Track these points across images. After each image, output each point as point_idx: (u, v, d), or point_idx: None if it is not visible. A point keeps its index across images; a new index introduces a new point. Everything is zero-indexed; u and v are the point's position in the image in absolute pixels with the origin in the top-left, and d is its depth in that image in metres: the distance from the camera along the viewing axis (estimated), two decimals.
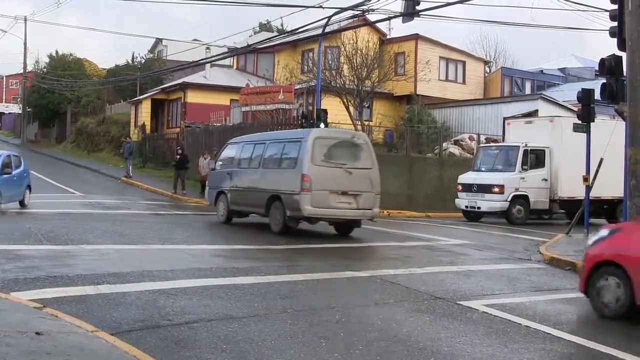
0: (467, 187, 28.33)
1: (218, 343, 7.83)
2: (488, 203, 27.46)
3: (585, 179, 21.59)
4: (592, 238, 11.61)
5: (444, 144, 35.56)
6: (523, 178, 27.31)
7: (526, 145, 27.41)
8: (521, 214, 27.35)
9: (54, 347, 6.89)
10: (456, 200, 28.92)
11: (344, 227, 19.67)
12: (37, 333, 7.22)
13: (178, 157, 33.18)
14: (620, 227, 12.02)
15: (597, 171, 21.58)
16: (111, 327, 8.14)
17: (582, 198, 27.11)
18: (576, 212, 28.56)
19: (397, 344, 8.25)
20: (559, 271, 15.25)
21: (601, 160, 21.20)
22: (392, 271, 13.60)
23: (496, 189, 27.19)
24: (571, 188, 27.37)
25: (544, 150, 27.70)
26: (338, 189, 18.12)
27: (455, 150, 36.35)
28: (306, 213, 17.89)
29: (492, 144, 33.23)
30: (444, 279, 13.06)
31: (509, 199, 27.09)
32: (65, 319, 8.13)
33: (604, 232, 11.28)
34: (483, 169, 28.73)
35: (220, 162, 22.50)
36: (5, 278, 10.61)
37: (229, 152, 22.44)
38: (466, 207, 28.39)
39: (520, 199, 27.40)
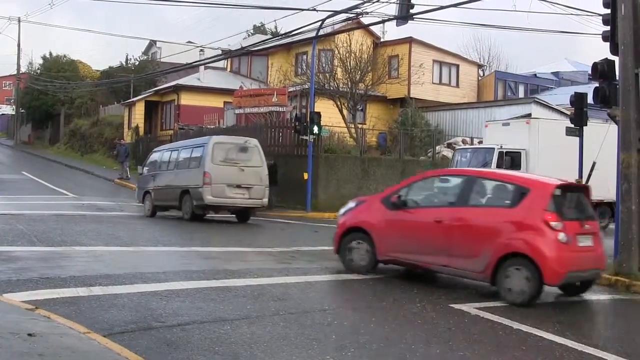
0: None
1: (210, 345, 7.84)
2: None
3: (578, 183, 21.63)
4: (343, 209, 14.53)
5: (437, 147, 35.57)
6: None
7: (501, 147, 26.96)
8: None
9: (46, 348, 6.88)
10: None
11: (242, 215, 23.98)
12: (30, 334, 7.22)
13: None
14: (364, 200, 14.67)
15: (589, 175, 21.64)
16: (103, 328, 8.14)
17: None
18: None
19: (389, 347, 8.27)
20: None
21: (594, 164, 21.25)
22: (384, 274, 13.63)
23: None
24: None
25: (519, 153, 27.18)
26: (233, 182, 22.42)
27: (449, 153, 36.30)
28: (207, 202, 22.16)
29: (467, 146, 33.06)
30: (435, 282, 13.09)
31: None
32: (57, 321, 8.13)
33: (352, 204, 14.41)
34: None
35: (146, 168, 26.31)
36: None
37: (152, 158, 26.54)
38: None
39: None
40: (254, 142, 23.87)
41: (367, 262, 13.32)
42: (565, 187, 12.44)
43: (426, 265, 12.88)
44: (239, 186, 22.52)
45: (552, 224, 11.39)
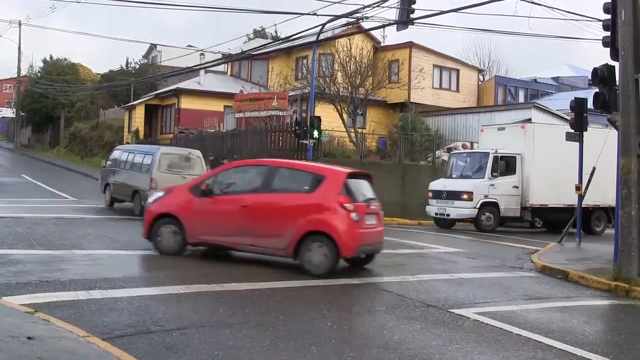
0: (437, 194, 27.90)
1: (209, 349, 7.83)
2: (457, 210, 27.00)
3: (578, 188, 21.65)
4: (152, 197, 15.90)
5: (437, 152, 35.56)
6: (493, 185, 26.82)
7: (496, 151, 26.93)
8: (490, 221, 26.84)
9: (46, 352, 6.88)
10: (427, 207, 28.53)
11: None
12: (29, 338, 7.21)
13: None
14: (173, 189, 16.06)
15: (589, 180, 21.65)
16: (103, 332, 8.13)
17: (555, 206, 27.24)
18: (549, 220, 28.65)
19: (388, 352, 8.27)
20: (550, 280, 15.29)
21: (594, 169, 21.26)
22: (384, 278, 13.64)
23: (465, 196, 26.74)
24: (543, 195, 27.26)
25: (515, 157, 27.23)
26: None
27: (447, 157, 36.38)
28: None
29: (462, 150, 33.05)
30: (436, 287, 13.09)
31: (478, 206, 26.63)
32: (57, 324, 8.12)
33: (160, 193, 15.78)
34: (454, 175, 28.40)
35: (109, 162, 28.94)
36: None
37: (113, 155, 28.98)
38: (436, 214, 27.95)
39: (490, 206, 26.91)
40: (196, 153, 26.70)
41: (176, 245, 14.69)
42: (355, 174, 14.67)
43: (233, 245, 14.56)
44: None
45: (346, 205, 13.44)
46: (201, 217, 14.50)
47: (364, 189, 14.78)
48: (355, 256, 14.14)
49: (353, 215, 13.44)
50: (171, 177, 23.97)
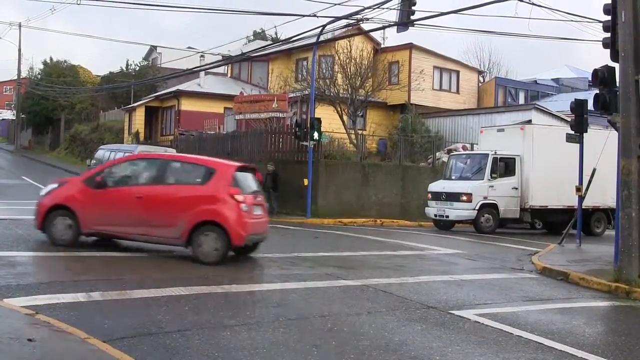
0: (437, 196, 27.89)
1: (210, 351, 7.83)
2: (456, 211, 26.97)
3: (578, 189, 21.65)
4: (45, 190, 15.94)
5: (437, 154, 35.57)
6: (492, 186, 26.79)
7: (495, 153, 26.92)
8: (490, 223, 26.81)
9: (46, 354, 6.89)
10: (426, 209, 28.54)
11: None
12: (29, 339, 7.21)
13: None
14: (66, 181, 16.48)
15: (589, 181, 21.64)
16: (103, 334, 8.12)
17: (555, 207, 27.24)
18: (548, 222, 28.65)
19: (388, 353, 8.26)
20: (551, 281, 15.29)
21: (594, 170, 21.25)
22: (384, 280, 13.62)
23: (464, 197, 26.72)
24: (543, 197, 27.24)
25: (514, 159, 27.23)
26: None
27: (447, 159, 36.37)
28: None
29: (461, 151, 33.06)
30: (436, 288, 13.08)
31: (477, 208, 26.60)
32: (57, 326, 8.12)
33: (54, 185, 15.85)
34: (453, 177, 28.39)
35: (93, 161, 30.81)
36: None
37: (98, 155, 31.45)
38: (435, 215, 27.91)
39: (489, 208, 26.88)
40: (171, 151, 29.03)
41: (70, 235, 14.91)
42: (243, 168, 15.75)
43: (127, 235, 15.04)
44: None
45: (236, 196, 14.35)
46: (95, 208, 14.84)
47: (250, 181, 15.78)
48: (245, 244, 14.98)
49: (243, 205, 14.42)
50: None
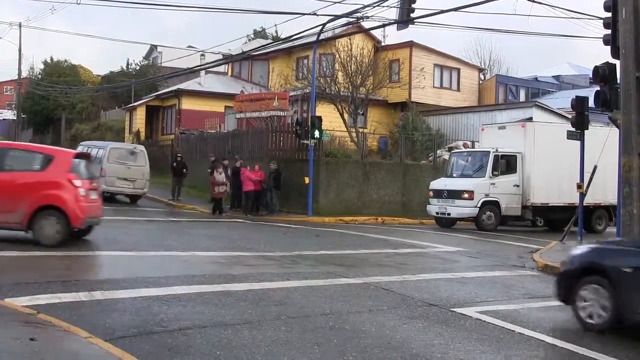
0: (438, 193, 27.88)
1: (211, 349, 7.84)
2: (458, 209, 26.96)
3: (579, 187, 21.62)
4: None
5: (438, 151, 35.53)
6: (493, 184, 26.76)
7: (497, 150, 26.88)
8: (491, 220, 26.81)
9: (48, 353, 6.89)
10: (427, 206, 28.54)
11: (132, 198, 31.44)
12: (31, 339, 7.22)
13: (176, 164, 33.18)
14: None
15: (591, 178, 21.62)
16: (105, 333, 8.13)
17: (556, 204, 27.21)
18: (550, 219, 28.61)
19: (390, 351, 8.27)
20: (552, 278, 15.15)
21: (595, 167, 21.24)
22: (386, 278, 13.62)
23: (466, 195, 26.70)
24: (544, 194, 27.20)
25: (515, 156, 27.22)
26: (122, 176, 30.11)
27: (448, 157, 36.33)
28: (102, 189, 27.83)
29: (462, 149, 33.03)
30: (437, 286, 13.08)
31: (479, 205, 26.60)
32: (59, 325, 8.13)
33: None
34: (454, 174, 28.34)
35: None
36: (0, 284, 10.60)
37: (78, 150, 32.31)
38: (437, 213, 27.91)
39: (491, 205, 26.87)
40: (140, 148, 32.58)
41: None
42: (80, 155, 17.00)
43: None
44: (125, 179, 30.28)
45: (74, 181, 15.17)
46: None
47: (86, 168, 16.62)
48: (82, 227, 15.83)
49: (80, 190, 15.31)
50: (118, 167, 30.11)
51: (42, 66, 72.17)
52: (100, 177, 27.25)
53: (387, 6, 26.01)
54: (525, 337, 9.29)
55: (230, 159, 31.37)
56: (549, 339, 9.22)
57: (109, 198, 29.54)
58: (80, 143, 36.39)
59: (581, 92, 27.86)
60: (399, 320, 9.92)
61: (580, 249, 11.61)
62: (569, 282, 10.64)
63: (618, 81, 15.44)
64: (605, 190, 25.54)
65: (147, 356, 7.44)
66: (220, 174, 28.76)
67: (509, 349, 8.70)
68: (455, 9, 22.90)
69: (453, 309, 10.80)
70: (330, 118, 34.16)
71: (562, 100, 39.31)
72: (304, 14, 27.66)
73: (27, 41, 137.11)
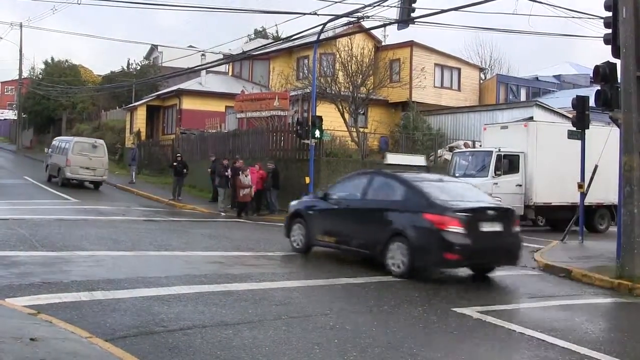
0: None
1: (212, 349, 7.84)
2: None
3: (580, 186, 21.62)
4: None
5: (439, 151, 35.55)
6: (496, 183, 26.54)
7: (499, 150, 26.74)
8: None
9: (48, 353, 6.88)
10: None
11: (95, 185, 36.85)
12: (32, 339, 7.21)
13: (176, 164, 33.18)
14: None
15: (591, 178, 21.62)
16: (106, 333, 8.14)
17: (558, 204, 27.15)
18: (552, 218, 28.55)
19: (390, 351, 8.26)
20: (553, 278, 15.28)
21: (596, 167, 21.24)
22: (386, 277, 13.60)
23: None
24: (547, 194, 27.14)
25: (518, 156, 27.00)
26: (84, 165, 35.83)
27: (450, 157, 36.31)
28: (67, 176, 35.92)
29: (465, 149, 32.99)
30: (438, 286, 13.07)
31: None
32: (59, 325, 8.13)
33: None
34: (457, 174, 28.26)
35: (50, 149, 40.24)
36: (0, 284, 10.60)
37: (52, 145, 40.47)
38: None
39: None
40: (100, 141, 38.38)
41: None
42: None
43: None
44: (87, 167, 35.94)
45: None
46: None
47: None
48: None
49: None
50: (81, 158, 35.73)
51: (43, 66, 72.20)
52: (66, 167, 35.60)
53: (387, 6, 26.17)
54: (526, 337, 9.29)
55: (229, 159, 31.35)
56: (550, 339, 9.21)
57: (77, 185, 36.30)
58: (54, 138, 43.79)
59: (582, 92, 27.86)
60: (400, 320, 9.92)
61: (293, 203, 18.09)
62: (288, 222, 17.32)
63: (619, 80, 15.43)
64: (607, 189, 25.48)
65: (148, 356, 7.44)
66: (246, 176, 28.21)
67: (510, 348, 8.70)
68: (456, 9, 22.87)
69: (454, 309, 10.79)
70: (331, 118, 34.17)
71: (563, 100, 39.30)
72: (304, 14, 27.65)
73: (27, 41, 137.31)
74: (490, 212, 14.24)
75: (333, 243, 15.94)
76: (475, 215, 13.58)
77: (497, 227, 13.84)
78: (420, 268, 13.61)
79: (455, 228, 13.09)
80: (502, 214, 14.37)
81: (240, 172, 28.25)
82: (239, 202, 28.51)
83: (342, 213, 15.87)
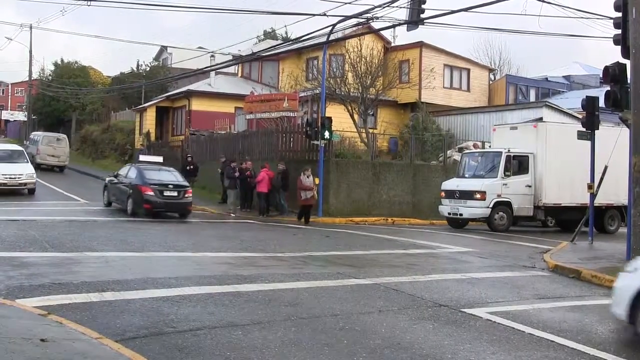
0: (450, 194, 27.82)
1: (222, 350, 7.85)
2: (470, 209, 26.88)
3: (590, 187, 21.58)
4: None
5: (448, 152, 35.51)
6: (506, 184, 26.65)
7: (509, 150, 26.79)
8: (503, 221, 26.73)
9: (59, 353, 6.91)
10: (439, 207, 28.47)
11: (60, 169, 47.21)
12: (42, 340, 7.25)
13: (189, 166, 33.34)
14: None
15: (601, 178, 21.57)
16: (115, 334, 8.17)
17: (568, 205, 27.13)
18: (562, 219, 28.52)
19: (400, 351, 8.26)
20: (563, 279, 15.24)
21: (605, 167, 21.20)
22: (396, 279, 13.61)
23: (478, 195, 26.63)
24: (556, 194, 27.11)
25: (527, 156, 27.10)
26: (50, 154, 46.65)
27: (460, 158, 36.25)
28: (38, 162, 43.64)
29: (475, 149, 32.97)
30: (447, 287, 13.07)
31: (491, 206, 26.51)
32: (69, 326, 8.16)
33: None
34: (467, 175, 28.22)
35: (27, 142, 51.19)
36: (11, 285, 10.66)
37: (31, 136, 52.39)
38: (449, 213, 27.85)
39: (503, 206, 26.79)
40: (63, 135, 49.87)
41: None
42: None
43: None
44: (52, 155, 46.85)
45: None
46: None
47: None
48: None
49: None
50: (47, 148, 46.62)
51: (52, 67, 72.48)
52: (37, 155, 45.00)
53: (397, 7, 26.10)
54: (535, 338, 9.27)
55: (237, 161, 31.38)
56: (560, 340, 9.19)
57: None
58: (32, 133, 55.46)
59: (591, 92, 27.80)
60: (409, 321, 9.91)
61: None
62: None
63: (628, 81, 15.40)
64: (617, 190, 25.43)
65: (158, 357, 7.46)
66: (307, 177, 27.41)
67: (519, 349, 8.68)
68: (465, 9, 22.87)
69: (463, 310, 10.78)
70: (340, 119, 34.16)
71: (573, 101, 39.19)
72: (314, 15, 27.69)
73: (37, 43, 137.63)
74: (170, 185, 25.52)
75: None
76: (161, 187, 25.24)
77: (174, 193, 25.45)
78: (133, 211, 25.18)
79: (149, 193, 24.89)
80: (178, 187, 25.83)
81: (302, 173, 27.49)
82: (302, 206, 27.30)
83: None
